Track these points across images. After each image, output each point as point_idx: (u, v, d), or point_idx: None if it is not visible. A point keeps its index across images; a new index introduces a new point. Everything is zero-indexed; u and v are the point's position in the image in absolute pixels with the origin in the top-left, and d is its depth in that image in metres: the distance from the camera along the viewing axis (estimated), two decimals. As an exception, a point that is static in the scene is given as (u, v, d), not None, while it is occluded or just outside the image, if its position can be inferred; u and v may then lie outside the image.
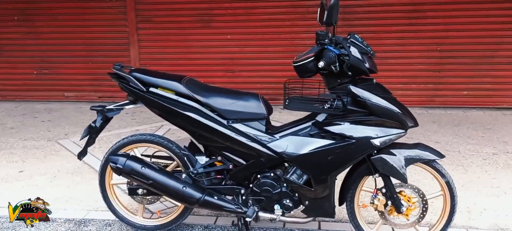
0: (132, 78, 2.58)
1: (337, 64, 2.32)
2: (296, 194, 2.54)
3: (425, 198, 2.55)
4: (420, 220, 2.59)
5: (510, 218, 3.05)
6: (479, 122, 5.38)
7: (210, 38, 6.40)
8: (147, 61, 6.55)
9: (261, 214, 2.57)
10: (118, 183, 2.87)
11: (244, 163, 2.54)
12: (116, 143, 2.75)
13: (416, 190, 2.56)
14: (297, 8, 6.16)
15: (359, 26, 5.89)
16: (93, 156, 4.19)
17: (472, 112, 5.84)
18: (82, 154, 2.80)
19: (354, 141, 2.38)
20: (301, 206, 2.57)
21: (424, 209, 2.56)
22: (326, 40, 2.36)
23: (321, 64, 2.29)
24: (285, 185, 2.54)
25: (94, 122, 2.68)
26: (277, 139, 2.50)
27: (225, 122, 2.52)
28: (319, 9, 2.46)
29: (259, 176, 2.56)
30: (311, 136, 2.47)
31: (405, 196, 2.56)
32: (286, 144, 2.47)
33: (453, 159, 4.13)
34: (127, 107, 2.69)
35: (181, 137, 4.76)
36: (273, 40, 6.29)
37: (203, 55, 6.46)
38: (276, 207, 2.56)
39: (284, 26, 6.24)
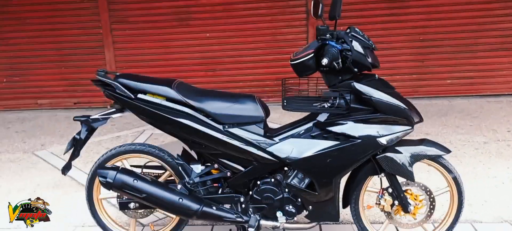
0: (118, 84, 2.38)
1: (340, 60, 2.19)
2: (299, 199, 2.41)
3: (432, 196, 2.46)
4: (428, 218, 2.49)
5: (512, 209, 3.01)
6: (465, 111, 5.37)
7: (188, 37, 6.19)
8: (124, 64, 6.30)
9: (263, 222, 2.42)
10: (107, 197, 2.67)
11: (243, 169, 2.38)
12: (103, 155, 2.56)
13: (423, 188, 2.46)
14: (277, 2, 6.02)
15: (341, 19, 5.77)
16: (74, 166, 3.94)
17: (456, 101, 5.83)
18: (66, 168, 2.60)
19: (359, 140, 2.25)
20: (305, 211, 2.43)
21: (431, 206, 2.47)
22: (327, 35, 2.22)
23: (324, 61, 2.14)
24: (286, 190, 2.40)
25: (79, 133, 2.48)
26: (277, 142, 2.35)
27: (221, 127, 2.35)
28: (313, 2, 2.33)
29: (258, 182, 2.41)
30: (313, 137, 2.33)
31: (412, 194, 2.46)
32: (287, 147, 2.32)
33: (445, 150, 4.07)
34: (113, 116, 2.50)
35: (165, 141, 4.58)
36: (254, 37, 6.13)
37: (182, 55, 6.25)
38: (279, 214, 2.41)
39: (264, 22, 6.08)
